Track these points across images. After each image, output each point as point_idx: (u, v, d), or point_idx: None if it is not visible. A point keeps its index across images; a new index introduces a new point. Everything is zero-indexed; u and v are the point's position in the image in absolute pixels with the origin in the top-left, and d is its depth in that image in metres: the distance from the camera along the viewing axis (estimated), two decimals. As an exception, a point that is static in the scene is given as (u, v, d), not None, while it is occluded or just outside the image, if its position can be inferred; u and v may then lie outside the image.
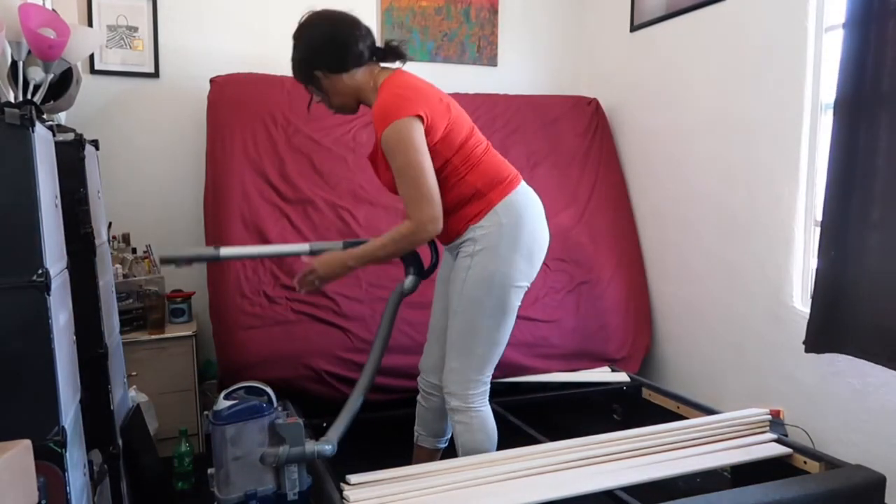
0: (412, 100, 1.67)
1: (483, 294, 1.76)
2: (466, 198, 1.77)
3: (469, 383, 1.82)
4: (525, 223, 1.77)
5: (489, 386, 1.86)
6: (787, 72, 2.41)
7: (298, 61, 1.81)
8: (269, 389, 1.77)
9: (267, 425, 1.69)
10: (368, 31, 1.80)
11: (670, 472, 1.77)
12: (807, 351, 2.20)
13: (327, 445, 1.71)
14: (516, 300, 1.80)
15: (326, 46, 1.76)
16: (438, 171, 1.72)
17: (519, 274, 1.77)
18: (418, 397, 2.04)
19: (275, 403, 1.76)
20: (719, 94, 2.72)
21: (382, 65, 1.83)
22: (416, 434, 2.06)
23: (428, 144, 1.69)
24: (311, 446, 1.69)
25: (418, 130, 1.66)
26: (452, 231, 1.80)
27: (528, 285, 1.82)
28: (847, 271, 2.09)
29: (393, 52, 1.82)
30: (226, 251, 1.81)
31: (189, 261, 1.80)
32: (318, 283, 1.79)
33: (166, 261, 1.77)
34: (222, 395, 1.74)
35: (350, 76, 1.77)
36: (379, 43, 1.83)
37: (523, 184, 1.83)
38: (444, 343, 1.87)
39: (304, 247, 1.86)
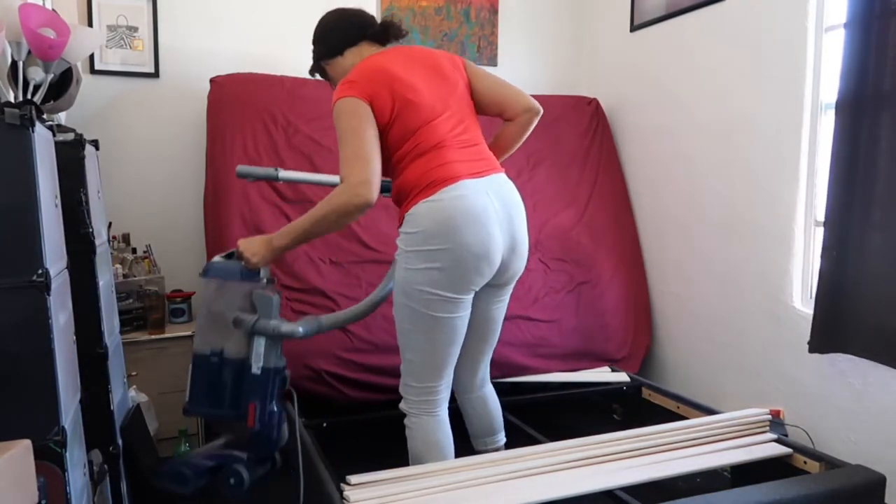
0: (356, 83, 1.67)
1: (400, 299, 1.71)
2: (398, 197, 1.76)
3: (407, 388, 1.78)
4: (434, 233, 1.63)
5: (439, 396, 1.78)
6: (787, 72, 2.41)
7: (313, 59, 1.92)
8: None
9: (247, 292, 1.69)
10: (359, 16, 1.87)
11: (670, 472, 1.76)
12: (811, 351, 2.20)
13: (299, 328, 1.70)
14: (441, 311, 1.67)
15: (320, 37, 1.88)
16: (388, 159, 1.73)
17: (432, 283, 1.64)
18: None
19: (262, 277, 1.73)
20: (719, 94, 2.72)
21: (380, 46, 1.86)
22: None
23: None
24: (278, 323, 1.67)
25: (358, 105, 1.65)
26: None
27: (458, 297, 1.68)
28: (850, 271, 2.09)
29: (385, 30, 1.86)
30: (283, 174, 2.01)
31: (256, 178, 2.03)
32: (249, 263, 1.71)
33: (241, 175, 1.99)
34: (223, 254, 1.76)
35: (344, 59, 1.84)
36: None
37: (451, 189, 1.64)
38: None
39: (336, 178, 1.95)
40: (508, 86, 1.86)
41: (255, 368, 1.67)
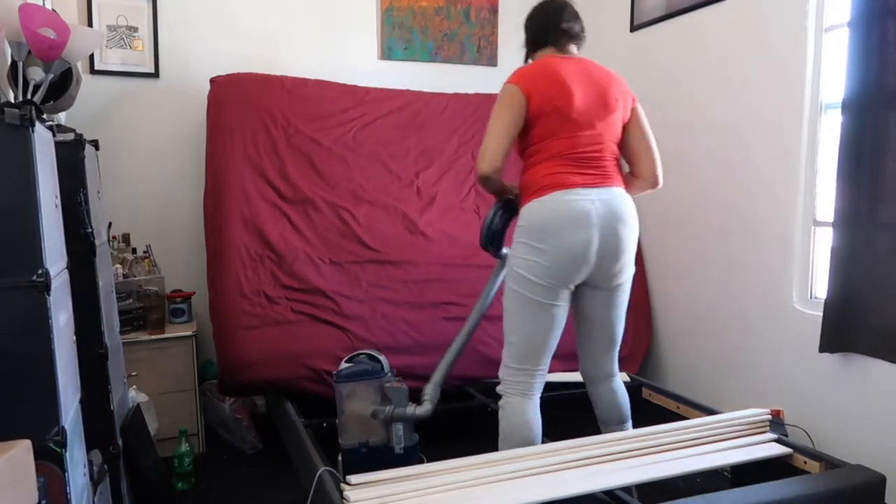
0: (523, 74, 1.91)
1: (509, 282, 1.92)
2: (523, 191, 1.94)
3: (505, 370, 1.94)
4: (539, 229, 1.84)
5: (534, 380, 1.92)
6: (787, 72, 2.40)
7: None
8: (382, 358, 2.08)
9: (377, 387, 1.97)
10: (550, 18, 2.02)
11: (670, 472, 1.76)
12: (821, 350, 2.20)
13: (426, 408, 1.97)
14: (542, 296, 1.85)
15: (526, 33, 2.11)
16: (527, 145, 1.93)
17: (532, 272, 1.84)
18: None
19: (385, 370, 2.03)
20: (719, 94, 2.72)
21: (561, 49, 2.03)
22: None
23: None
24: (411, 409, 1.95)
25: (515, 94, 1.87)
26: None
27: (556, 287, 1.85)
28: (859, 271, 2.09)
29: (563, 35, 2.01)
30: None
31: None
32: None
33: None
34: (345, 358, 2.07)
35: (538, 56, 2.06)
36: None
37: (562, 193, 1.84)
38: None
39: None
40: (651, 148, 2.02)
41: (398, 449, 1.98)
